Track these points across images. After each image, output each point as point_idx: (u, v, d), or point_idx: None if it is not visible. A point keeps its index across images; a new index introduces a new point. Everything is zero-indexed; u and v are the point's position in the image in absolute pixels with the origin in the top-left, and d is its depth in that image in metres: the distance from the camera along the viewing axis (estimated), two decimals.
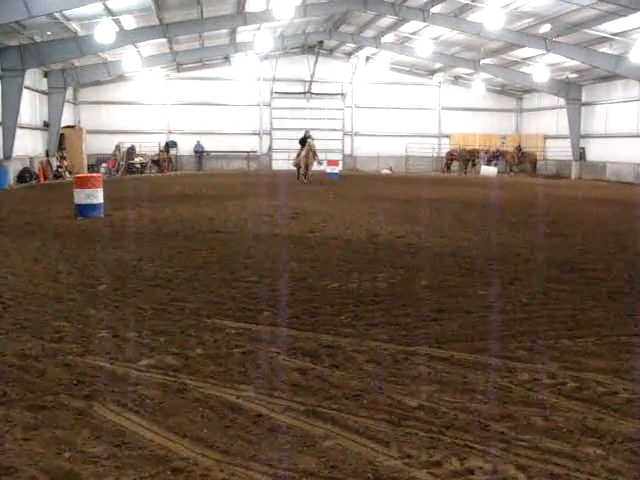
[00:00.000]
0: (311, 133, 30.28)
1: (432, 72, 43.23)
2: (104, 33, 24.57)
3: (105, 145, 37.37)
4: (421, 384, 4.57)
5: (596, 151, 36.28)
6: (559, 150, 38.92)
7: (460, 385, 4.57)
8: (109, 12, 24.61)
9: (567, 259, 9.84)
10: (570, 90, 36.86)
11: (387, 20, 33.39)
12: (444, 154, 42.35)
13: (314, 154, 28.31)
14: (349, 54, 42.68)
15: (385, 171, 40.68)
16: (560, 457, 3.55)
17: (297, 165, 29.30)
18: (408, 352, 5.26)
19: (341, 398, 4.32)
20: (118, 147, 36.65)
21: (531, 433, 3.83)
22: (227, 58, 40.22)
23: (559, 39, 29.70)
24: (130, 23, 26.77)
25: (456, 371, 4.83)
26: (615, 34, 27.28)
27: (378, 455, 3.55)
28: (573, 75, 35.97)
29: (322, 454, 3.56)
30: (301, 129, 40.67)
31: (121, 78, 38.85)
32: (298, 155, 29.21)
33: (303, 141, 29.00)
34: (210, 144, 41.05)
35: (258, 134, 42.60)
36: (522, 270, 8.89)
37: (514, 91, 44.11)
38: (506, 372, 4.82)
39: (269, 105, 42.39)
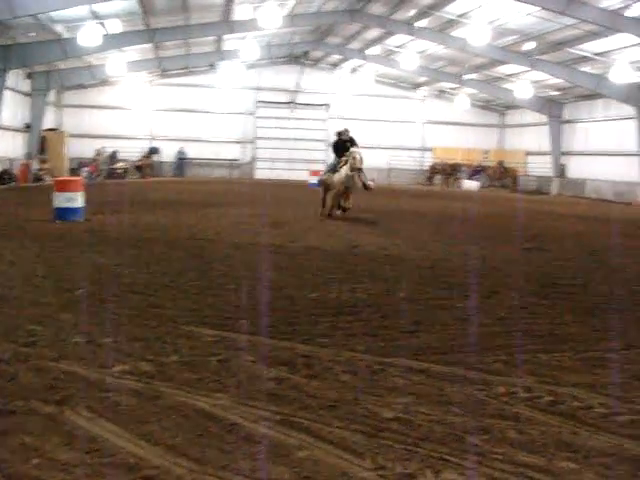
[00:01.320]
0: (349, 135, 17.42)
1: (416, 86, 43.51)
2: (89, 36, 24.48)
3: (87, 149, 37.13)
4: (397, 396, 4.55)
5: (576, 168, 36.66)
6: (540, 166, 39.27)
7: (436, 397, 4.55)
8: (95, 15, 24.54)
9: (545, 274, 9.90)
10: (552, 107, 37.28)
11: (373, 32, 33.67)
12: (427, 167, 42.55)
13: (359, 173, 16.36)
14: (334, 65, 42.84)
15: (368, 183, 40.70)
16: (534, 471, 3.54)
17: (326, 185, 17.31)
18: (385, 363, 5.24)
19: (317, 408, 4.29)
20: (99, 151, 36.45)
21: (506, 446, 3.82)
22: (212, 65, 40.16)
23: (542, 57, 30.06)
24: (116, 27, 26.68)
25: (432, 383, 4.82)
26: (597, 54, 27.70)
27: (352, 466, 3.52)
28: (555, 93, 36.36)
29: (296, 464, 3.53)
30: (285, 139, 41.07)
31: (105, 82, 38.66)
32: (333, 170, 16.95)
33: (339, 147, 17.10)
34: (193, 151, 40.93)
35: (241, 143, 42.55)
36: (500, 284, 8.92)
37: (497, 107, 44.48)
38: (482, 385, 4.82)
39: (253, 114, 42.37)
